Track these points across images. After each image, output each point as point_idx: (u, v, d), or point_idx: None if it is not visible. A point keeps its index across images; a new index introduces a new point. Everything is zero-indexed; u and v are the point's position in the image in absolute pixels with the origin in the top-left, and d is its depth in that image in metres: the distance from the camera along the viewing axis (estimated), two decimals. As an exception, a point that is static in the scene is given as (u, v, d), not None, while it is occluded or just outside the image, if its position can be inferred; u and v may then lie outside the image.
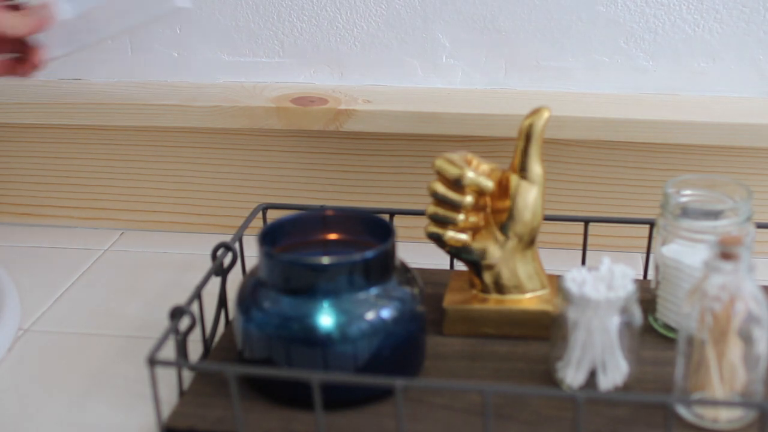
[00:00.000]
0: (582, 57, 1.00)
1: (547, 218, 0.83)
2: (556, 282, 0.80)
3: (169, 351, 0.75)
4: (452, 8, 1.00)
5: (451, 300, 0.81)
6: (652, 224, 0.88)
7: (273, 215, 0.86)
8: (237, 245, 0.85)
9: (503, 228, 0.79)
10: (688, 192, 0.80)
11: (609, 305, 0.69)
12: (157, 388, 0.68)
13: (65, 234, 1.08)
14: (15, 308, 0.89)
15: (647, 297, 0.81)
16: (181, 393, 0.74)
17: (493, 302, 0.81)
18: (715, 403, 0.68)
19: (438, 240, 0.80)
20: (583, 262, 0.90)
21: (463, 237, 0.79)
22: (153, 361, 0.68)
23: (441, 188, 0.78)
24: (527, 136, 0.78)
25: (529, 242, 0.79)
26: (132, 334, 0.87)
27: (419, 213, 0.83)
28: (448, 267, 0.91)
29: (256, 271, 0.75)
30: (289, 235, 0.78)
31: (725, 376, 0.67)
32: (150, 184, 1.08)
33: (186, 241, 1.07)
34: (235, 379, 0.67)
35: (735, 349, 0.67)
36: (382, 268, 0.72)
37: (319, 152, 1.04)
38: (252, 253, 0.78)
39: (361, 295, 0.71)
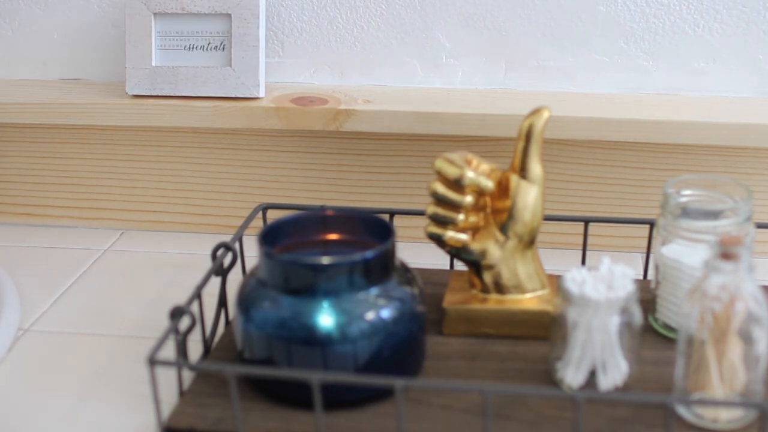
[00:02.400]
0: (582, 57, 1.00)
1: (547, 218, 0.83)
2: (556, 282, 0.80)
3: (169, 351, 0.75)
4: (452, 8, 1.00)
5: (451, 300, 0.81)
6: (652, 224, 0.88)
7: (273, 215, 0.86)
8: (237, 245, 0.85)
9: (503, 228, 0.79)
10: (688, 192, 0.80)
11: (609, 305, 0.69)
12: (157, 388, 0.68)
13: (65, 234, 1.08)
14: (15, 308, 0.89)
15: (647, 297, 0.81)
16: (181, 393, 0.74)
17: (493, 302, 0.81)
18: (715, 403, 0.68)
19: (438, 240, 0.80)
20: (583, 262, 0.90)
21: (463, 237, 0.79)
22: (153, 361, 0.68)
23: (441, 188, 0.78)
24: (527, 136, 0.78)
25: (529, 242, 0.79)
26: (132, 334, 0.87)
27: (419, 213, 0.83)
28: (448, 267, 0.91)
29: (256, 271, 0.75)
30: (289, 235, 0.78)
31: (725, 376, 0.67)
32: (150, 184, 1.08)
33: (186, 241, 1.07)
34: (235, 379, 0.67)
35: (735, 349, 0.67)
36: (382, 268, 0.72)
37: (319, 152, 1.04)
38: (252, 253, 0.78)
39: (361, 295, 0.71)
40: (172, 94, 1.01)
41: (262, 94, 1.00)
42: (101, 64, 1.08)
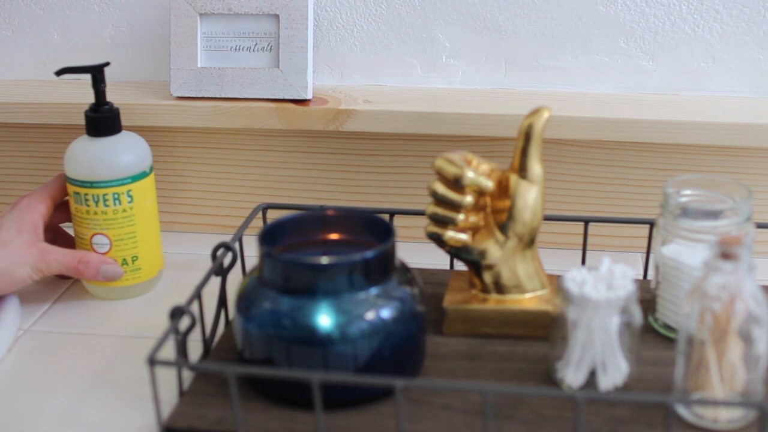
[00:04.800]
0: (582, 57, 1.00)
1: (547, 218, 0.83)
2: (556, 282, 0.80)
3: (169, 351, 0.75)
4: (452, 8, 1.00)
5: (451, 300, 0.81)
6: (652, 224, 0.88)
7: (273, 215, 0.86)
8: (237, 245, 0.85)
9: (503, 228, 0.79)
10: (688, 192, 0.81)
11: (609, 305, 0.69)
12: (157, 388, 0.68)
13: (65, 234, 1.08)
14: (15, 308, 0.89)
15: (647, 297, 0.81)
16: (181, 393, 0.74)
17: (493, 302, 0.81)
18: (715, 403, 0.68)
19: (438, 240, 0.80)
20: (583, 262, 0.90)
21: (463, 237, 0.79)
22: (153, 361, 0.68)
23: (441, 188, 0.78)
24: (527, 136, 0.78)
25: (529, 242, 0.79)
26: (132, 334, 0.87)
27: (419, 213, 0.83)
28: (448, 267, 0.91)
29: (256, 271, 0.75)
30: (289, 235, 0.78)
31: (725, 376, 0.67)
32: (150, 184, 1.08)
33: (186, 241, 1.07)
34: (235, 379, 0.67)
35: (735, 349, 0.67)
36: (382, 268, 0.72)
37: (319, 152, 1.04)
38: (252, 253, 0.78)
39: (361, 295, 0.71)
40: (217, 96, 1.00)
41: (309, 96, 0.99)
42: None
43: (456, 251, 0.80)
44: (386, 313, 0.71)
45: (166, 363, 0.70)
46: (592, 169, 1.01)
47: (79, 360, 0.84)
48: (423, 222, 0.81)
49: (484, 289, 0.81)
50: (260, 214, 0.93)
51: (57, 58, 1.08)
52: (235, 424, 0.68)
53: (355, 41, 1.03)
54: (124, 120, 0.93)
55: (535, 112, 0.78)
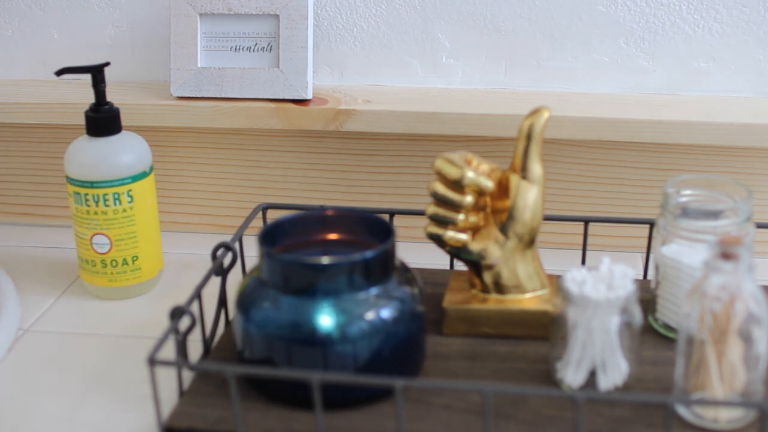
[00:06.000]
0: (582, 57, 1.00)
1: (547, 218, 0.83)
2: (556, 282, 0.80)
3: (169, 351, 0.75)
4: (452, 8, 1.00)
5: (451, 300, 0.81)
6: (652, 224, 0.88)
7: (273, 215, 0.86)
8: (237, 245, 0.85)
9: (503, 228, 0.79)
10: (688, 192, 0.81)
11: (609, 305, 0.69)
12: (157, 388, 0.68)
13: (65, 234, 1.08)
14: (15, 308, 0.89)
15: (647, 297, 0.81)
16: (181, 393, 0.74)
17: (493, 302, 0.81)
18: (715, 403, 0.68)
19: (438, 240, 0.80)
20: (583, 262, 0.90)
21: (463, 237, 0.79)
22: (153, 361, 0.68)
23: (441, 188, 0.78)
24: (527, 137, 0.78)
25: (529, 242, 0.79)
26: (132, 334, 0.87)
27: (419, 213, 0.83)
28: (448, 267, 0.91)
29: (256, 271, 0.75)
30: (289, 235, 0.78)
31: (725, 376, 0.67)
32: (150, 184, 1.08)
33: (186, 241, 1.07)
34: (235, 379, 0.67)
35: (735, 349, 0.67)
36: (382, 268, 0.72)
37: (319, 152, 1.04)
38: (252, 253, 0.78)
39: (361, 295, 0.71)
40: (217, 96, 1.00)
41: (309, 96, 0.99)
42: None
43: (456, 251, 0.80)
44: (386, 313, 0.71)
45: (166, 363, 0.70)
46: (592, 169, 1.01)
47: (79, 360, 0.84)
48: (423, 222, 0.81)
49: (484, 289, 0.81)
50: (260, 214, 0.93)
51: (57, 58, 1.08)
52: (235, 424, 0.68)
53: (355, 41, 1.03)
54: (124, 120, 0.93)
55: (535, 112, 0.78)
